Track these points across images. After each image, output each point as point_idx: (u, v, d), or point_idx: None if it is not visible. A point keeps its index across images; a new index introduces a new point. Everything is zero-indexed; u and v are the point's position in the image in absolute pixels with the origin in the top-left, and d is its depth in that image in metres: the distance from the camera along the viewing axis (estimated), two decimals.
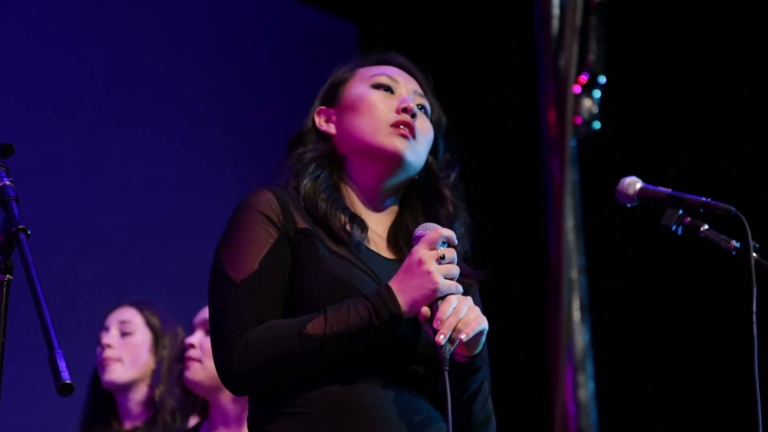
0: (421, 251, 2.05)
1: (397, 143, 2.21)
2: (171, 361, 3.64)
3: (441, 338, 1.98)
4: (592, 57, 5.21)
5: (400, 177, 2.25)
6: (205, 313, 3.40)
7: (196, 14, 5.68)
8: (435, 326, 1.99)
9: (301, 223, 2.17)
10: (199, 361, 3.34)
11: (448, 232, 2.08)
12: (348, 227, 2.17)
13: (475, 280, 2.26)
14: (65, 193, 5.01)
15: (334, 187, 2.24)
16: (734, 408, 3.44)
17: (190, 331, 3.48)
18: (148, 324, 3.75)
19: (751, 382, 2.41)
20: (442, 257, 2.05)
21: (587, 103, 5.21)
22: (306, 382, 2.06)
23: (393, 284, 2.04)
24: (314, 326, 2.02)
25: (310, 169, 2.24)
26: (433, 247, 2.06)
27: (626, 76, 5.37)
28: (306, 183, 2.22)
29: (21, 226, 1.98)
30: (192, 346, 3.37)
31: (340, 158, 2.28)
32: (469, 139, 2.39)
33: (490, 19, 5.91)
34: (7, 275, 2.00)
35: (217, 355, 2.08)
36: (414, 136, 2.23)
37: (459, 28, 6.01)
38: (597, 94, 5.23)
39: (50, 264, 4.13)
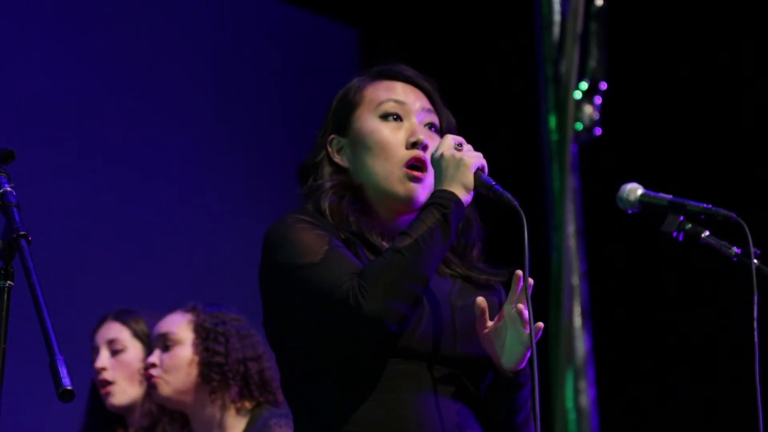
0: (440, 149, 2.19)
1: (410, 188, 2.26)
2: None
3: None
4: (593, 63, 5.21)
5: (413, 213, 2.26)
6: (159, 329, 3.40)
7: (195, 21, 5.68)
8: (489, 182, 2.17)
9: (343, 235, 2.20)
10: (161, 378, 3.33)
11: (457, 137, 2.22)
12: (380, 242, 2.22)
13: (499, 281, 2.30)
14: (66, 200, 5.01)
15: (358, 211, 2.27)
16: (736, 414, 3.44)
17: (150, 350, 3.47)
18: (136, 335, 3.74)
19: (752, 389, 2.40)
20: (459, 145, 2.20)
21: (588, 109, 5.20)
22: (348, 400, 2.09)
23: (437, 186, 2.17)
24: (401, 241, 2.10)
25: (330, 194, 2.26)
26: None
27: (627, 82, 5.37)
28: (331, 205, 2.25)
29: (22, 233, 1.98)
30: (153, 365, 3.35)
31: (357, 187, 2.30)
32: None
33: (490, 25, 5.91)
34: (8, 281, 2.00)
35: (340, 315, 2.07)
36: (426, 170, 2.26)
37: (459, 34, 6.02)
38: (598, 100, 5.23)
39: (51, 270, 4.12)
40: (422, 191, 2.25)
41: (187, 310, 3.40)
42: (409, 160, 2.26)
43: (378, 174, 2.27)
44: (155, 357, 3.35)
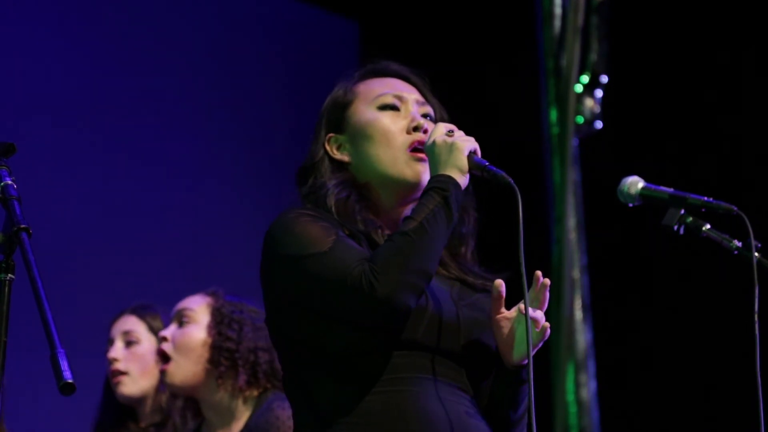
0: (432, 137, 2.20)
1: (417, 170, 2.26)
2: None
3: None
4: (593, 56, 5.21)
5: (418, 195, 2.27)
6: (179, 306, 3.41)
7: (195, 14, 5.68)
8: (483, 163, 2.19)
9: (346, 230, 2.20)
10: (171, 359, 3.33)
11: (448, 124, 2.23)
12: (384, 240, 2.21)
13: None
14: (67, 193, 5.01)
15: (363, 209, 2.27)
16: (736, 407, 3.44)
17: (168, 323, 3.48)
18: (151, 330, 3.75)
19: (753, 382, 2.41)
20: (450, 131, 2.20)
21: (589, 103, 5.21)
22: (351, 391, 2.09)
23: (433, 172, 2.19)
24: (407, 225, 2.11)
25: (336, 191, 2.26)
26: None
27: (628, 75, 5.37)
28: (337, 203, 2.24)
29: (23, 226, 1.98)
30: (165, 339, 3.37)
31: (360, 185, 2.30)
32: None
33: (491, 17, 5.91)
34: (9, 275, 2.00)
35: (354, 301, 2.06)
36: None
37: (459, 26, 6.01)
38: (599, 93, 5.23)
39: (52, 263, 4.13)
40: (428, 173, 2.25)
41: (208, 294, 3.42)
42: (412, 144, 2.28)
43: (383, 161, 2.27)
44: (169, 331, 3.36)
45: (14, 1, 5.10)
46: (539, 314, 2.14)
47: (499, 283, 2.15)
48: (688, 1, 5.46)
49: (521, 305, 2.13)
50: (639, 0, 5.47)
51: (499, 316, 2.16)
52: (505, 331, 2.16)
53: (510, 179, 2.13)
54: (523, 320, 2.11)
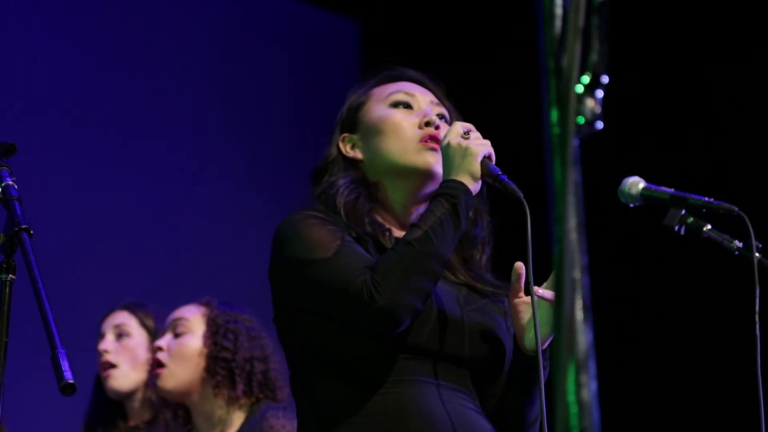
0: (448, 138, 2.18)
1: (428, 158, 2.26)
2: None
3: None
4: (594, 56, 5.21)
5: (431, 189, 2.27)
6: (174, 314, 3.42)
7: (197, 15, 5.68)
8: (496, 171, 2.18)
9: (354, 232, 2.20)
10: (165, 365, 3.34)
11: (466, 124, 2.21)
12: (391, 245, 2.21)
13: (505, 294, 2.28)
14: (67, 193, 5.01)
15: (373, 211, 2.28)
16: (737, 408, 3.44)
17: (162, 333, 3.49)
18: (143, 325, 3.75)
19: (753, 382, 2.41)
20: (467, 132, 2.19)
21: (590, 103, 5.21)
22: (353, 391, 2.10)
23: (445, 175, 2.17)
24: (412, 234, 2.10)
25: (346, 192, 2.26)
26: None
27: (629, 75, 5.37)
28: (346, 205, 2.25)
29: (24, 226, 1.98)
30: (160, 348, 3.37)
31: (371, 184, 2.30)
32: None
33: (492, 17, 5.91)
34: (10, 275, 2.00)
35: (354, 310, 2.07)
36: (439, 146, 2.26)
37: (461, 26, 6.01)
38: (600, 93, 5.22)
39: (53, 264, 4.12)
40: (439, 164, 2.25)
41: (202, 304, 3.44)
42: (424, 137, 2.27)
43: (393, 152, 2.27)
44: (164, 341, 3.37)
45: (15, 1, 5.10)
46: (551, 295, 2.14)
47: (519, 265, 2.14)
48: (690, 1, 5.46)
49: (535, 288, 2.12)
50: (640, 0, 5.47)
51: (517, 300, 2.16)
52: (523, 316, 2.16)
53: (520, 193, 2.11)
54: (539, 305, 2.10)
